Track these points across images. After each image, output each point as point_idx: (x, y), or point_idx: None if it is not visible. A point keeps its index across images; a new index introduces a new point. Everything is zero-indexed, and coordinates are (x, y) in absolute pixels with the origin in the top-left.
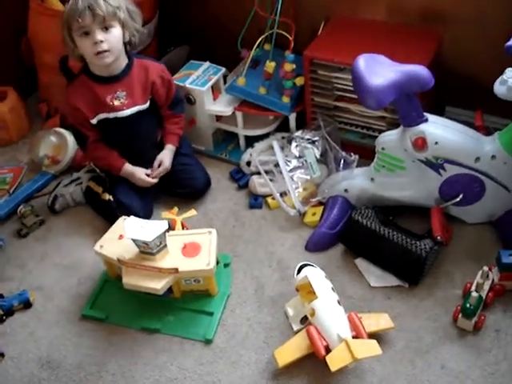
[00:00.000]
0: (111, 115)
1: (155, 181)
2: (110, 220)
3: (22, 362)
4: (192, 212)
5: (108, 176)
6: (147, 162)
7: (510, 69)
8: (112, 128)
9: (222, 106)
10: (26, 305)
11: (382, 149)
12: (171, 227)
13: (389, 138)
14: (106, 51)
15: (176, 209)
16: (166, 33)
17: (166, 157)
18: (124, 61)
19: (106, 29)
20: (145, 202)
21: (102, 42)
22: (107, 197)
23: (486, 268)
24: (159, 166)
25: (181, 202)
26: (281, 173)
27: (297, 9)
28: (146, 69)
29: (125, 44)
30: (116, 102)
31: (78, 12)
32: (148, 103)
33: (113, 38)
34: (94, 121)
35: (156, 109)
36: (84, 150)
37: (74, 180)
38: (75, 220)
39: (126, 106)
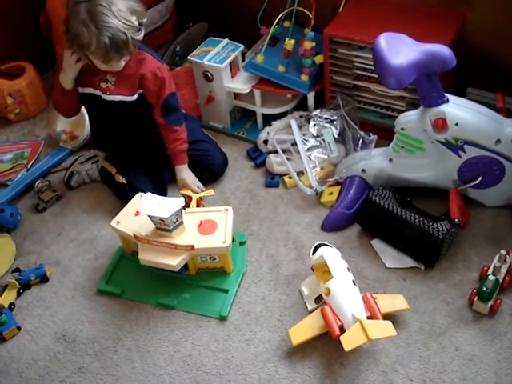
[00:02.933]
0: (97, 93)
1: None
2: (124, 201)
3: (38, 336)
4: (210, 192)
5: (120, 159)
6: (140, 150)
7: None
8: (97, 106)
9: (240, 83)
10: (43, 279)
11: (402, 129)
12: (187, 204)
13: (408, 119)
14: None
15: None
16: (184, 9)
17: (186, 179)
18: None
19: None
20: (158, 186)
21: (117, 68)
22: (121, 179)
23: (503, 252)
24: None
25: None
26: (298, 152)
27: None
28: (140, 61)
29: None
30: (102, 85)
31: (107, 55)
32: (135, 96)
33: (126, 61)
34: (79, 89)
35: (146, 105)
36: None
37: (91, 157)
38: (92, 196)
39: (109, 91)
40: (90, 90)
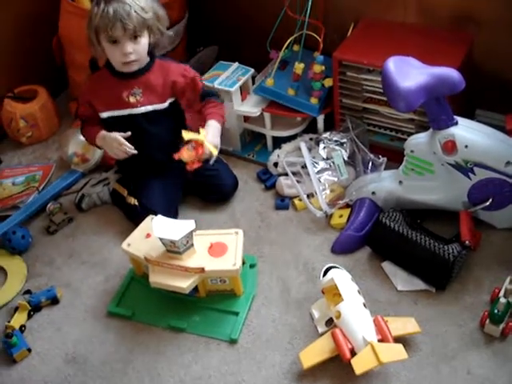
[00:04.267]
0: (126, 112)
1: (133, 151)
2: (136, 223)
3: (48, 358)
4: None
5: (132, 178)
6: (162, 173)
7: None
8: (125, 127)
9: (250, 106)
10: (54, 301)
11: (411, 151)
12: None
13: (418, 141)
14: (133, 61)
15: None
16: (195, 33)
17: (209, 133)
18: (145, 60)
19: (134, 38)
20: (169, 206)
21: (131, 53)
22: (132, 201)
23: None
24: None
25: (207, 203)
26: (308, 174)
27: (326, 10)
28: (166, 69)
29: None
30: (131, 99)
31: (109, 23)
32: (167, 104)
33: (141, 48)
34: (104, 115)
35: (177, 113)
36: (81, 132)
37: (102, 180)
38: (103, 218)
39: (140, 103)
40: (119, 113)
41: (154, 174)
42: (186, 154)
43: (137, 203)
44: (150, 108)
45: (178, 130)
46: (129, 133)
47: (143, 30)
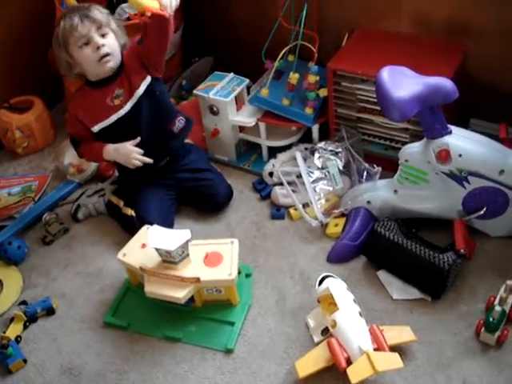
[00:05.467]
0: (112, 118)
1: (149, 160)
2: (131, 234)
3: (44, 369)
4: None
5: (128, 189)
6: (163, 157)
7: None
8: (116, 131)
9: (245, 116)
10: (49, 311)
11: (406, 161)
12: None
13: (412, 150)
14: (108, 54)
15: None
16: (190, 44)
17: None
18: (119, 58)
19: (103, 36)
20: (165, 216)
21: (103, 45)
22: (129, 212)
23: (509, 282)
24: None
25: (202, 213)
26: (303, 184)
27: (321, 21)
28: (129, 55)
29: None
30: (116, 102)
31: (75, 24)
32: (142, 86)
33: (112, 41)
34: (95, 128)
35: (157, 92)
36: (78, 153)
37: (98, 191)
38: (99, 228)
39: (124, 102)
40: (107, 122)
41: (150, 184)
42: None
43: (134, 214)
44: (134, 100)
45: (166, 111)
46: (138, 138)
47: (108, 28)
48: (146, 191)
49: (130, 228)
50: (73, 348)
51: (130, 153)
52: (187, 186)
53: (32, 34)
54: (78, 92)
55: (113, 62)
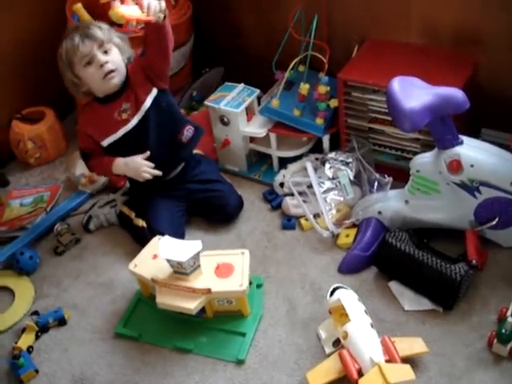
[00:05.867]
0: (120, 132)
1: (158, 173)
2: (143, 245)
3: (55, 379)
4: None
5: (139, 201)
6: (173, 168)
7: None
8: (125, 145)
9: (256, 127)
10: (61, 322)
11: (417, 171)
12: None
13: (423, 161)
14: (112, 71)
15: None
16: (201, 54)
17: None
18: (123, 72)
19: (105, 53)
20: (176, 227)
21: (106, 62)
22: (140, 223)
23: None
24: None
25: (213, 224)
26: (314, 194)
27: (331, 31)
28: (133, 69)
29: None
30: (123, 116)
31: (76, 44)
32: (148, 99)
33: (115, 57)
34: (104, 143)
35: (164, 104)
36: (88, 167)
37: (109, 202)
38: (110, 239)
39: (131, 115)
40: (115, 136)
41: (161, 195)
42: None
43: (145, 225)
44: (141, 113)
45: (173, 121)
46: (148, 153)
47: (110, 44)
48: (156, 202)
49: (141, 239)
50: (84, 358)
51: (140, 166)
52: (197, 197)
53: (44, 46)
54: (87, 108)
55: (118, 78)
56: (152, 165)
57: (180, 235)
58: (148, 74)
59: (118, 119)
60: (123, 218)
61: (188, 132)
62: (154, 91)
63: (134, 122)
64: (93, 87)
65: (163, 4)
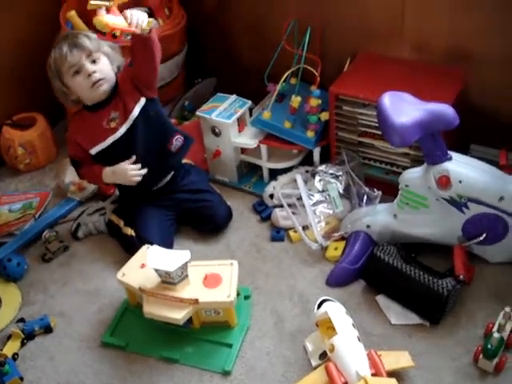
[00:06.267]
0: (108, 141)
1: (143, 171)
2: (131, 253)
3: None
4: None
5: (128, 209)
6: (162, 177)
7: None
8: (113, 154)
9: (247, 138)
10: (47, 330)
11: (406, 186)
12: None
13: (413, 176)
14: (100, 79)
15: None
16: (194, 65)
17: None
18: (113, 80)
19: (93, 62)
20: (165, 236)
21: (94, 72)
22: (129, 231)
23: (508, 309)
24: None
25: (202, 234)
26: (303, 206)
27: (323, 45)
28: (122, 78)
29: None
30: (112, 124)
31: (64, 54)
32: (136, 108)
33: (103, 66)
34: (92, 151)
35: (152, 113)
36: (78, 175)
37: (99, 210)
38: (99, 247)
39: (119, 124)
40: (104, 145)
41: (150, 204)
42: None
43: (134, 234)
44: (129, 122)
45: (161, 131)
46: (133, 157)
47: (98, 53)
48: (145, 211)
49: (129, 248)
50: (70, 367)
51: (126, 171)
52: (187, 207)
53: (36, 52)
54: (76, 116)
55: (106, 85)
56: (138, 166)
57: (169, 244)
58: (136, 83)
59: (107, 128)
60: (112, 226)
61: (177, 141)
62: (143, 100)
63: (123, 130)
64: (81, 96)
65: (146, 17)
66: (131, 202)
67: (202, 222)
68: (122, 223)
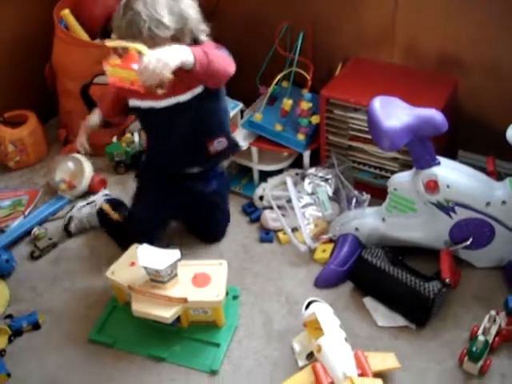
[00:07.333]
0: (145, 104)
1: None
2: (119, 241)
3: (27, 383)
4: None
5: (143, 178)
6: (190, 166)
7: None
8: (145, 119)
9: (238, 140)
10: (35, 326)
11: (394, 190)
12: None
13: (401, 180)
14: None
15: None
16: None
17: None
18: None
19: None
20: (155, 221)
21: None
22: (115, 216)
23: (493, 312)
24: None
25: (192, 234)
26: (293, 208)
27: (316, 49)
28: None
29: None
30: (159, 90)
31: (121, 36)
32: (188, 94)
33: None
34: (130, 102)
35: (203, 105)
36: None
37: (90, 203)
38: (88, 245)
39: (164, 96)
40: (139, 104)
41: (161, 186)
42: (111, 62)
43: (120, 220)
44: (173, 101)
45: (203, 130)
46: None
47: (155, 42)
48: (152, 189)
49: (118, 235)
50: (57, 363)
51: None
52: (192, 211)
53: (28, 50)
54: None
55: None
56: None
57: (154, 225)
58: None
59: (151, 90)
60: (102, 214)
61: (219, 144)
62: (198, 89)
63: (163, 104)
64: None
65: (167, 70)
66: (149, 174)
67: (198, 231)
68: (111, 210)
